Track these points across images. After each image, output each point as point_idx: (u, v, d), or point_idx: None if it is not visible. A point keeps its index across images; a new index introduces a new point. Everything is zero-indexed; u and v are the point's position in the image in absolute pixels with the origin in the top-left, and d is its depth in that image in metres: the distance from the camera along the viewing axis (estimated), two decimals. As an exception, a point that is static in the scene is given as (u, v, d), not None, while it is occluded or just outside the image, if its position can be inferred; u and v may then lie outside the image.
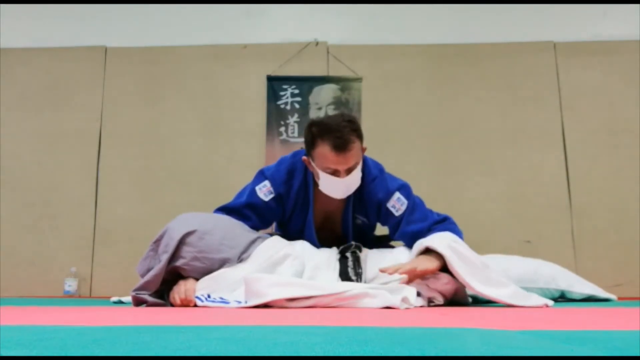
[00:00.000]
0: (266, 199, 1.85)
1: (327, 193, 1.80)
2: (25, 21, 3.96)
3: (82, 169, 3.72)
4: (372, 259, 1.71)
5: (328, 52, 3.84)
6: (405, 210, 1.81)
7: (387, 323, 0.83)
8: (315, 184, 1.84)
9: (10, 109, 3.82)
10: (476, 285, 1.52)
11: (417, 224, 1.80)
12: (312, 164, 1.78)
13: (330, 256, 1.73)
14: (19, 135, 3.78)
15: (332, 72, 3.80)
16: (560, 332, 0.69)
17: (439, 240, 1.62)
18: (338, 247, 1.78)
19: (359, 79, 3.77)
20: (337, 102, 3.74)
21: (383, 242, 1.99)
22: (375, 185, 1.84)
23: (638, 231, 3.47)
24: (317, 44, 3.84)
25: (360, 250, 1.76)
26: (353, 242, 1.77)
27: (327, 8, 3.92)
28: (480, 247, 3.07)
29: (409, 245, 1.81)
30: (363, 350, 0.45)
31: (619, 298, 2.41)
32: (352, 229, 1.90)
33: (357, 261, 1.69)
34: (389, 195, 1.82)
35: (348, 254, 1.72)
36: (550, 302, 1.56)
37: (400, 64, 3.82)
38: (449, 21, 3.89)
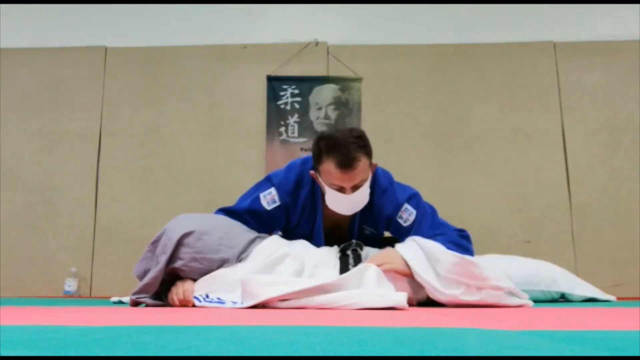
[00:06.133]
0: (269, 207, 1.83)
1: (333, 209, 1.78)
2: (25, 21, 3.96)
3: (82, 169, 3.72)
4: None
5: (328, 52, 3.84)
6: (414, 221, 1.80)
7: (387, 323, 0.83)
8: (323, 195, 1.82)
9: (10, 109, 3.82)
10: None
11: (425, 234, 1.77)
12: (319, 178, 1.76)
13: (330, 254, 1.72)
14: (19, 135, 3.78)
15: (332, 72, 3.80)
16: (560, 332, 0.69)
17: (408, 246, 1.61)
18: (339, 246, 1.78)
19: (359, 79, 3.77)
20: (337, 102, 3.74)
21: (387, 244, 1.98)
22: (385, 198, 1.82)
23: (638, 231, 3.47)
24: (317, 44, 3.84)
25: (362, 249, 1.75)
26: (354, 241, 1.77)
27: (327, 8, 3.92)
28: (480, 247, 3.08)
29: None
30: (363, 350, 0.45)
31: (619, 298, 2.42)
32: (358, 238, 1.89)
33: (358, 259, 1.69)
34: (398, 208, 1.81)
35: (349, 252, 1.71)
36: (530, 303, 1.53)
37: (400, 64, 3.82)
38: (449, 21, 3.89)
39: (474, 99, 3.75)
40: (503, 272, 1.91)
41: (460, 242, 1.75)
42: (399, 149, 3.64)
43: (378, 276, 1.44)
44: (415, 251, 1.57)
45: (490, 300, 1.46)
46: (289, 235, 1.94)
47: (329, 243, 1.88)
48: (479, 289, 1.48)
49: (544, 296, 2.00)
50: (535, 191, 3.59)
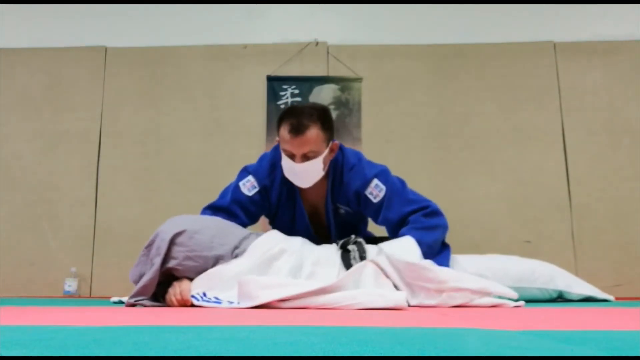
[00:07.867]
0: (250, 193, 1.91)
1: (287, 176, 1.86)
2: (25, 21, 3.96)
3: (82, 169, 3.72)
4: (372, 255, 1.70)
5: (328, 52, 3.83)
6: (384, 197, 1.84)
7: (387, 323, 0.83)
8: None
9: (10, 109, 3.82)
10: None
11: (396, 210, 1.82)
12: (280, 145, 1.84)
13: (330, 252, 1.71)
14: (19, 135, 3.78)
15: (332, 72, 3.79)
16: (560, 332, 0.69)
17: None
18: (338, 244, 1.78)
19: (359, 79, 3.77)
20: (337, 102, 3.73)
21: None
22: (352, 174, 1.88)
23: (638, 231, 3.47)
24: (317, 44, 3.84)
25: (365, 242, 1.75)
26: (353, 235, 1.77)
27: (327, 8, 3.92)
28: (480, 247, 3.08)
29: (392, 232, 1.83)
30: (363, 350, 0.45)
31: (619, 298, 2.41)
32: (335, 218, 1.93)
33: (361, 248, 1.69)
34: (367, 183, 1.86)
35: (350, 247, 1.71)
36: (510, 304, 1.51)
37: (400, 64, 3.82)
38: (449, 21, 3.88)
39: (474, 99, 3.75)
40: (500, 270, 1.91)
41: (426, 224, 1.78)
42: (399, 149, 3.64)
43: (376, 275, 1.44)
44: (385, 262, 1.58)
45: (453, 302, 1.47)
46: (275, 220, 2.00)
47: (313, 226, 1.94)
48: (439, 291, 1.49)
49: (541, 294, 1.99)
50: (535, 191, 3.59)
